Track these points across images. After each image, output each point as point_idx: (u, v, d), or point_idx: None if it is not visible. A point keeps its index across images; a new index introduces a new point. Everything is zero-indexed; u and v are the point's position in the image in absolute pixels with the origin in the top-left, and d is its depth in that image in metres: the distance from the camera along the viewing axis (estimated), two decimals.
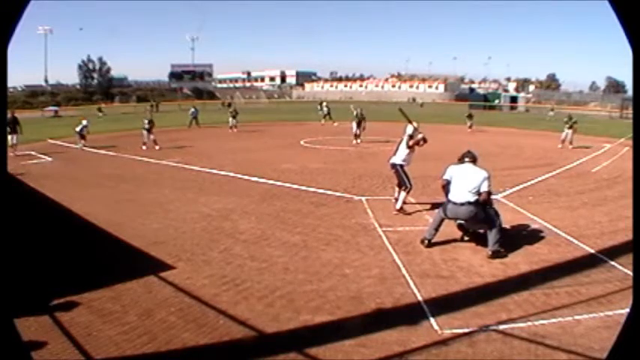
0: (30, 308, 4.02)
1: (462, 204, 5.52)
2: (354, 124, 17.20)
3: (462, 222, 5.86)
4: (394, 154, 7.55)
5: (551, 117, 33.25)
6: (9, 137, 13.69)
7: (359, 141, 16.78)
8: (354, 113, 17.42)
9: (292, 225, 6.76)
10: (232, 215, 7.32)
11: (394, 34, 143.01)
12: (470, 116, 23.05)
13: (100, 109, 36.83)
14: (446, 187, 5.74)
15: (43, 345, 3.50)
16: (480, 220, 5.62)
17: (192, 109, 25.67)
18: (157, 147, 15.38)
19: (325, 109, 26.31)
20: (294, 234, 6.36)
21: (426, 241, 5.79)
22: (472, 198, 5.50)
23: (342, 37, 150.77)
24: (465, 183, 5.54)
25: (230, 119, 22.33)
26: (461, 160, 5.79)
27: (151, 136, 15.71)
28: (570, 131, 16.14)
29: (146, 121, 16.01)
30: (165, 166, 12.39)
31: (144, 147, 15.46)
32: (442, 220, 5.82)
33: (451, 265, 5.25)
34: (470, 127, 22.34)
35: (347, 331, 3.79)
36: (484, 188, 5.50)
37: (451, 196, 5.64)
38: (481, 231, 5.77)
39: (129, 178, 10.85)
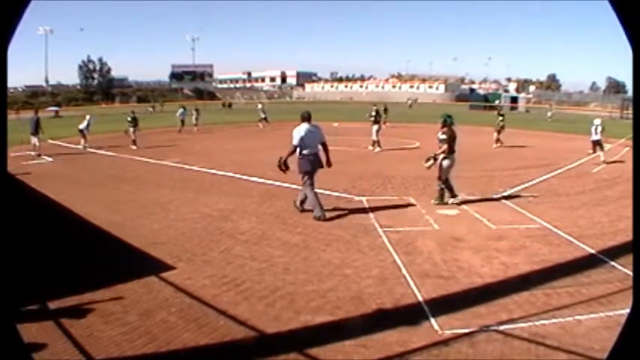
0: (30, 309, 4.02)
1: (317, 154, 7.02)
2: (374, 128, 15.07)
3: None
4: None
5: (549, 117, 33.07)
6: (33, 139, 14.19)
7: (378, 149, 14.93)
8: (373, 113, 15.06)
9: (293, 225, 6.77)
10: (233, 215, 7.32)
11: (394, 34, 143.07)
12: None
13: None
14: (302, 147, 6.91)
15: (43, 345, 3.50)
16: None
17: (181, 110, 23.44)
18: (134, 146, 15.80)
19: (262, 113, 24.38)
20: (294, 234, 6.36)
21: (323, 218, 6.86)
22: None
23: (342, 37, 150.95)
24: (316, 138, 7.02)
25: (193, 119, 22.32)
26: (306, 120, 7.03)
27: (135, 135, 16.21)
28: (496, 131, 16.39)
29: (129, 118, 16.45)
30: (165, 166, 12.40)
31: (133, 147, 15.81)
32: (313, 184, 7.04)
33: (451, 265, 5.24)
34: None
35: (347, 331, 3.78)
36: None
37: (308, 151, 6.91)
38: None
39: (129, 178, 10.86)
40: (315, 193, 7.07)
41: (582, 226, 6.75)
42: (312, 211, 7.11)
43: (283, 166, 7.18)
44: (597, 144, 13.48)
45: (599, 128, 13.49)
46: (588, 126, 14.29)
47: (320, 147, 7.14)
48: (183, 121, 22.35)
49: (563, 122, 30.29)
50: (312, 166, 7.02)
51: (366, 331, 3.77)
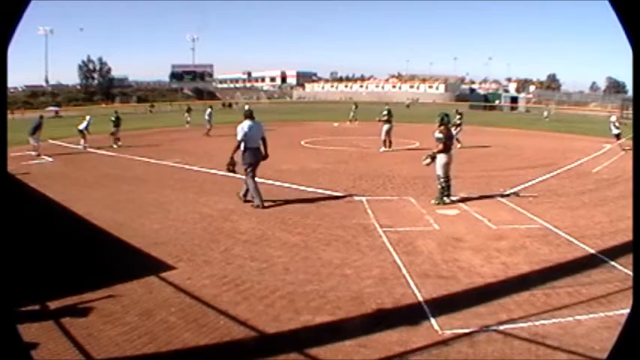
0: (30, 309, 4.02)
1: (259, 148, 7.78)
2: (385, 128, 14.86)
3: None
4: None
5: (545, 117, 33.00)
6: (31, 139, 14.36)
7: (383, 148, 14.83)
8: (384, 113, 14.82)
9: (293, 225, 6.77)
10: (233, 216, 7.32)
11: (394, 34, 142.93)
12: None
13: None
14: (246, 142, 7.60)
15: (43, 345, 3.50)
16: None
17: (209, 110, 21.54)
18: (118, 143, 16.53)
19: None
20: (294, 234, 6.36)
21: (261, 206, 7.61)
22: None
23: (342, 37, 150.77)
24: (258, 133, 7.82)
25: (186, 116, 23.33)
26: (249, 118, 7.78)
27: (118, 134, 16.85)
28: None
29: (112, 118, 17.01)
30: (166, 166, 12.40)
31: (114, 145, 16.39)
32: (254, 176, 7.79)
33: (452, 265, 5.24)
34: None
35: (347, 331, 3.78)
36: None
37: (251, 145, 7.62)
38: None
39: (129, 178, 10.85)
40: (256, 184, 7.85)
41: (582, 226, 6.75)
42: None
43: (231, 166, 7.85)
44: (618, 136, 16.11)
45: (617, 123, 16.45)
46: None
47: (261, 142, 7.95)
48: (210, 122, 20.83)
49: (561, 122, 30.27)
50: (255, 158, 7.78)
51: (366, 331, 3.77)
